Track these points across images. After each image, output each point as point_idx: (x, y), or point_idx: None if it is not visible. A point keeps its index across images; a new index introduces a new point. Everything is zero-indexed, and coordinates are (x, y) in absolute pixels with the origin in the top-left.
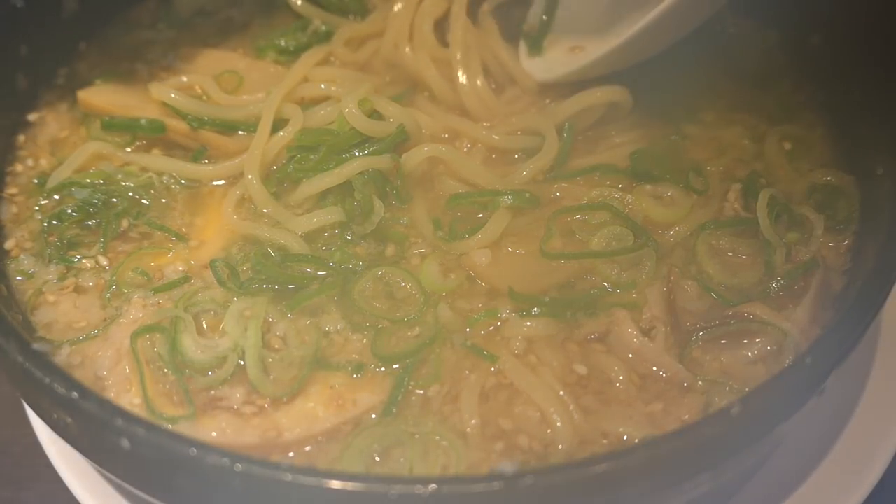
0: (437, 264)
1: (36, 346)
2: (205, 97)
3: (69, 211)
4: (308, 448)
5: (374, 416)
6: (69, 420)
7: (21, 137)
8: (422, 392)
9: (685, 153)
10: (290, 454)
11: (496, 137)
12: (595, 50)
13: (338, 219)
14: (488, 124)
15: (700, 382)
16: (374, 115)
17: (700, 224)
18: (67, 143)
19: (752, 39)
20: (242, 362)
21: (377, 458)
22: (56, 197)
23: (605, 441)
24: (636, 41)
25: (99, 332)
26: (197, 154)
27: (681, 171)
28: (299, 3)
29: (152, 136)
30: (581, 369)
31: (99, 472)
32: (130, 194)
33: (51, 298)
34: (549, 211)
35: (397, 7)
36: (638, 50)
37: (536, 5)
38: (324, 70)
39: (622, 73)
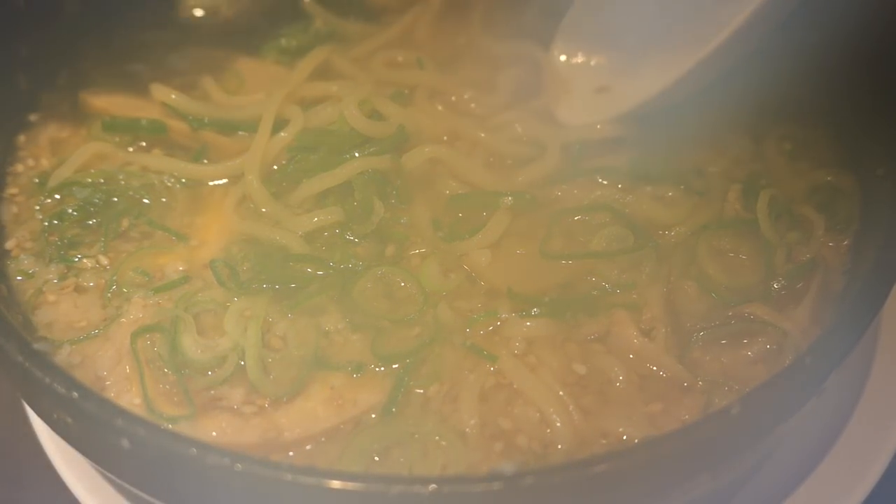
0: (437, 264)
1: (36, 345)
2: (205, 98)
3: (70, 211)
4: (308, 448)
5: (373, 415)
6: (69, 420)
7: (22, 138)
8: (422, 392)
9: (685, 154)
10: (290, 454)
11: (496, 140)
12: (624, 93)
13: (338, 219)
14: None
15: (700, 382)
16: (375, 115)
17: (700, 225)
18: (68, 143)
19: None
20: (242, 362)
21: (377, 458)
22: (57, 197)
23: (604, 441)
24: (673, 90)
25: (99, 332)
26: (197, 154)
27: (681, 172)
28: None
29: (153, 136)
30: (581, 369)
31: (99, 472)
32: (131, 194)
33: (51, 298)
34: (550, 211)
35: None
36: (673, 98)
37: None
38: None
39: None
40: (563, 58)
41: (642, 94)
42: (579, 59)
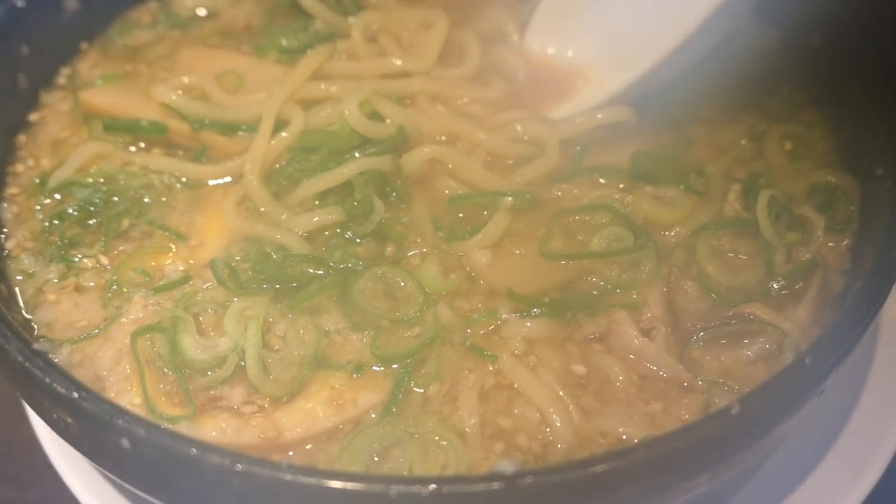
0: (437, 264)
1: (36, 345)
2: (205, 98)
3: (70, 210)
4: (308, 448)
5: (373, 415)
6: (69, 420)
7: (22, 137)
8: (421, 391)
9: (685, 154)
10: (290, 454)
11: (496, 141)
12: (602, 83)
13: (338, 218)
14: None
15: (700, 382)
16: (375, 116)
17: (700, 224)
18: (68, 143)
19: (752, 39)
20: (242, 362)
21: (377, 458)
22: (57, 196)
23: (604, 441)
24: (647, 78)
25: (99, 332)
26: (198, 154)
27: (681, 172)
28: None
29: (154, 137)
30: (581, 370)
31: (99, 471)
32: (131, 194)
33: (51, 298)
34: (550, 212)
35: None
36: (649, 84)
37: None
38: (336, 64)
39: None
40: (537, 50)
41: (622, 79)
42: (553, 51)
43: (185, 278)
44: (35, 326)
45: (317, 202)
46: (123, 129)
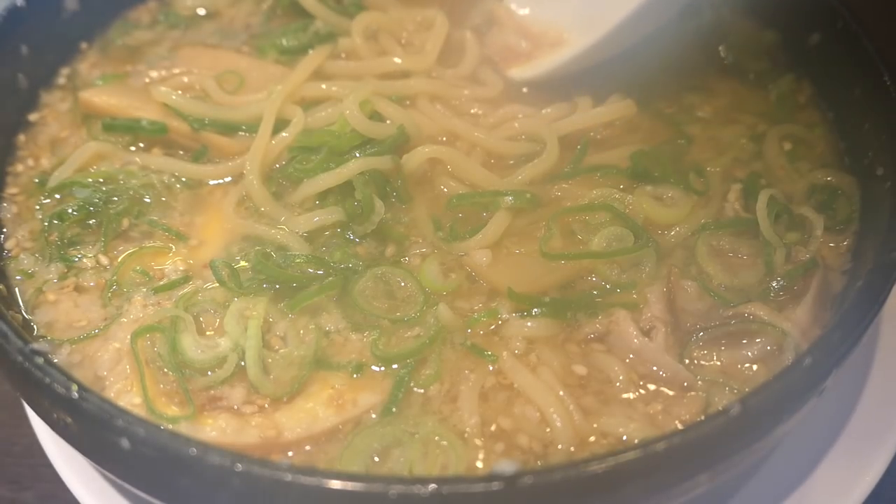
0: (438, 264)
1: (36, 345)
2: (205, 98)
3: (70, 210)
4: (308, 448)
5: (374, 415)
6: (69, 420)
7: (22, 137)
8: (422, 392)
9: (685, 154)
10: (290, 454)
11: (495, 139)
12: (577, 43)
13: (338, 218)
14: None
15: (700, 382)
16: (375, 116)
17: (700, 224)
18: (68, 142)
19: (752, 39)
20: (243, 362)
21: (377, 458)
22: (57, 196)
23: (604, 441)
24: (619, 31)
25: (99, 332)
26: (198, 154)
27: (681, 172)
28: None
29: (154, 136)
30: (581, 369)
31: (99, 471)
32: (131, 193)
33: (51, 297)
34: (550, 211)
35: None
36: (622, 39)
37: None
38: (336, 63)
39: (620, 73)
40: (521, 12)
41: (594, 35)
42: (527, 12)
43: (185, 278)
44: (35, 326)
45: (317, 202)
46: (123, 128)
